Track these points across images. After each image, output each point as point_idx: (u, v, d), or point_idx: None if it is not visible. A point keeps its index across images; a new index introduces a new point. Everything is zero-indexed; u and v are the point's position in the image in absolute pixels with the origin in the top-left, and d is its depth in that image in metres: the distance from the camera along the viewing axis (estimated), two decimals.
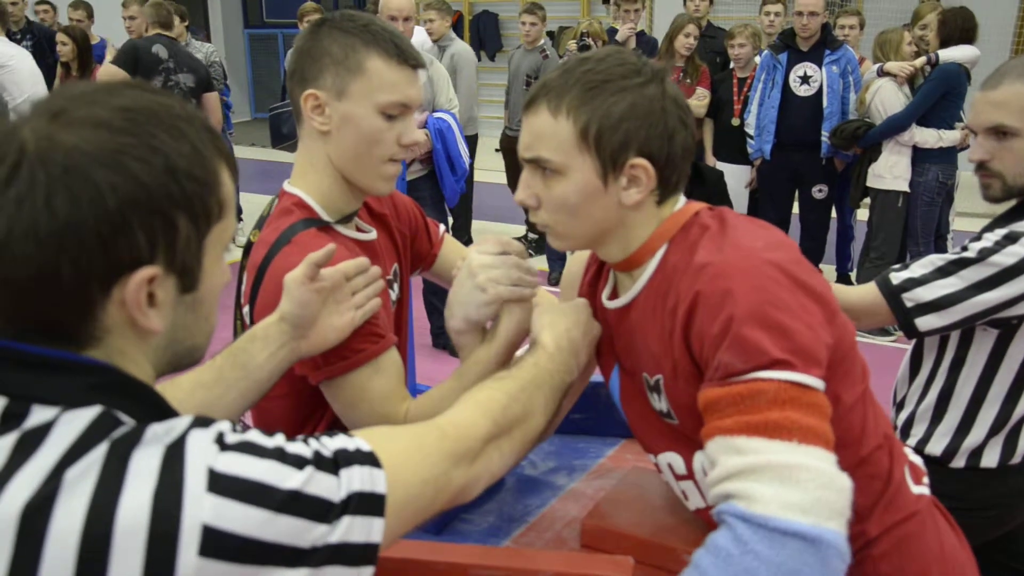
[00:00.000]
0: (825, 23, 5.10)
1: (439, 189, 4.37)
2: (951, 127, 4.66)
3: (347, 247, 1.42)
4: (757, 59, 5.41)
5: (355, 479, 0.81)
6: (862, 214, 5.29)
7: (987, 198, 1.78)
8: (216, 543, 0.71)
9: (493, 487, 1.55)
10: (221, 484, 0.73)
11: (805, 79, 5.08)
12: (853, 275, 5.43)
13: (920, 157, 4.72)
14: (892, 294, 1.73)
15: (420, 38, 5.37)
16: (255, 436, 0.79)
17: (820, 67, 5.04)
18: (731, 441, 1.01)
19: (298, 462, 0.78)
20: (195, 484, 0.72)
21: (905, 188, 4.75)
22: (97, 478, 0.71)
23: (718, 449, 1.02)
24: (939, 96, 4.59)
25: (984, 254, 1.67)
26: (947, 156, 4.72)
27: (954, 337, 1.79)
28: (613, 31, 5.89)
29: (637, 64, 1.17)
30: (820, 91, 5.04)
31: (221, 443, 0.76)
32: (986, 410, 1.78)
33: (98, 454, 0.72)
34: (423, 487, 0.91)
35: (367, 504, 0.81)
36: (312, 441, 0.83)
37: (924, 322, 1.71)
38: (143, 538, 0.69)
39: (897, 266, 1.79)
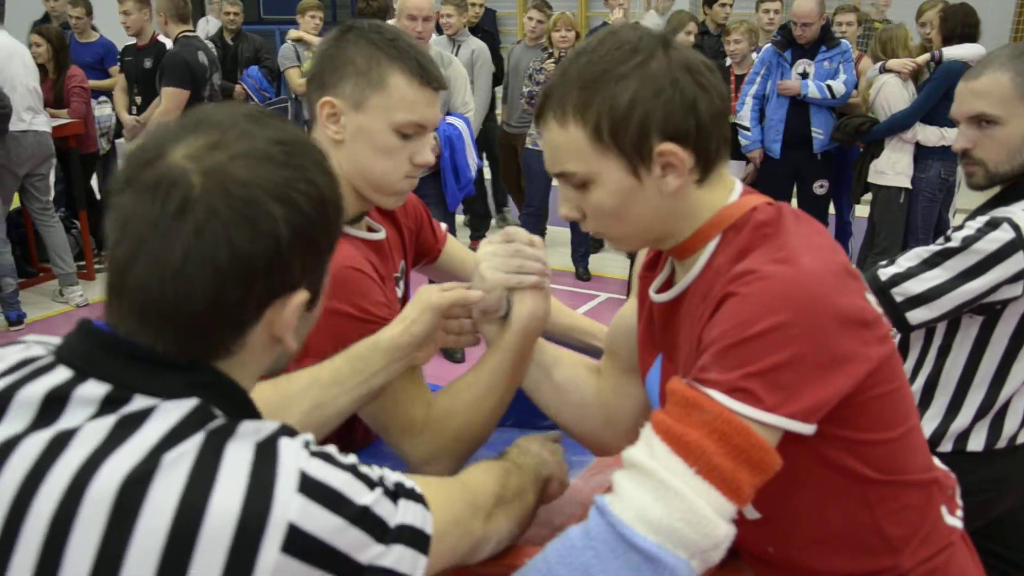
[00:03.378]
0: (825, 22, 5.09)
1: (443, 191, 4.33)
2: (954, 125, 4.64)
3: (356, 247, 1.41)
4: (755, 55, 5.41)
5: (410, 514, 0.86)
6: (861, 210, 5.29)
7: (971, 186, 1.83)
8: (298, 542, 0.75)
9: None
10: (310, 487, 0.77)
11: (804, 76, 5.08)
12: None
13: (922, 154, 4.73)
14: (881, 290, 1.74)
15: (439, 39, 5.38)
16: (332, 450, 0.84)
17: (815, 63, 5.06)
18: (650, 434, 0.98)
19: (369, 482, 0.83)
20: (287, 483, 0.76)
21: (907, 184, 4.75)
22: (193, 464, 0.75)
23: (642, 435, 1.00)
24: (942, 94, 4.58)
25: (967, 242, 1.70)
26: (949, 153, 4.71)
27: (941, 325, 1.81)
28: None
29: (634, 41, 1.07)
30: None
31: (308, 449, 0.80)
32: (973, 394, 1.80)
33: (195, 442, 0.76)
34: (449, 530, 0.94)
35: (417, 540, 0.86)
36: (375, 468, 0.87)
37: (915, 315, 1.72)
38: (232, 526, 0.73)
39: (884, 262, 1.80)
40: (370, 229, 1.51)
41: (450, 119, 4.18)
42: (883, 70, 4.85)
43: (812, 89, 5.00)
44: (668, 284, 1.22)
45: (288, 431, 0.81)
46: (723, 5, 6.24)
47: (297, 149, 0.83)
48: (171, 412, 0.78)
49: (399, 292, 1.57)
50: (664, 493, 0.94)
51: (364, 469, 0.84)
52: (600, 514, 0.96)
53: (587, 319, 1.79)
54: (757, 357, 0.95)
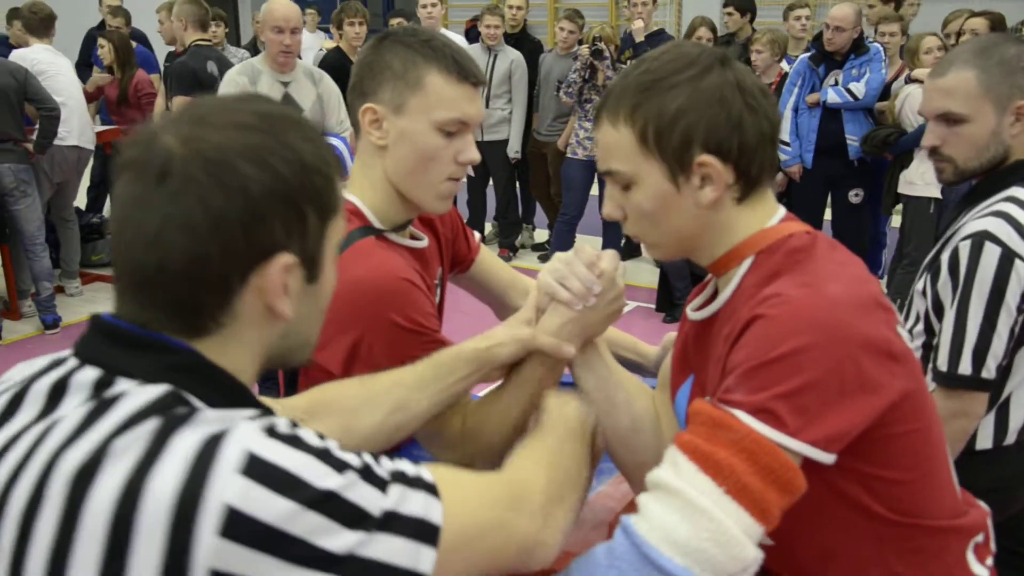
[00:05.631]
0: (858, 34, 5.02)
1: None
2: None
3: (402, 255, 1.42)
4: (783, 65, 5.37)
5: (407, 502, 0.81)
6: (897, 220, 5.23)
7: (942, 182, 1.85)
8: (238, 525, 0.72)
9: None
10: (256, 468, 0.74)
11: (836, 86, 5.05)
12: (883, 283, 5.37)
13: None
14: (952, 379, 1.70)
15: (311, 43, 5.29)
16: (306, 433, 0.80)
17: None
18: (676, 454, 0.98)
19: (340, 465, 0.78)
20: (227, 464, 0.73)
21: (936, 194, 4.67)
22: (139, 452, 0.74)
23: (666, 455, 0.99)
24: None
25: (968, 281, 1.67)
26: None
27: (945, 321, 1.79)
28: (629, 36, 5.91)
29: (693, 55, 1.11)
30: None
31: (269, 431, 0.78)
32: None
33: (146, 428, 0.75)
34: (485, 530, 0.90)
35: (418, 530, 0.81)
36: (367, 456, 0.83)
37: (987, 369, 1.70)
38: (168, 510, 0.72)
39: (931, 366, 1.77)
40: (413, 237, 1.52)
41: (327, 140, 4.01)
42: (908, 80, 4.80)
43: (831, 95, 4.95)
44: (709, 301, 1.23)
45: (263, 415, 0.80)
46: (726, 14, 6.20)
47: (279, 119, 0.85)
48: (138, 397, 0.78)
49: (436, 299, 1.58)
50: (692, 513, 0.93)
51: (340, 453, 0.80)
52: (625, 534, 0.95)
53: (615, 330, 1.79)
54: (781, 379, 0.96)
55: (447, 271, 1.68)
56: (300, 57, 4.09)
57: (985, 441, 1.80)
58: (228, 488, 0.72)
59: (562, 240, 5.88)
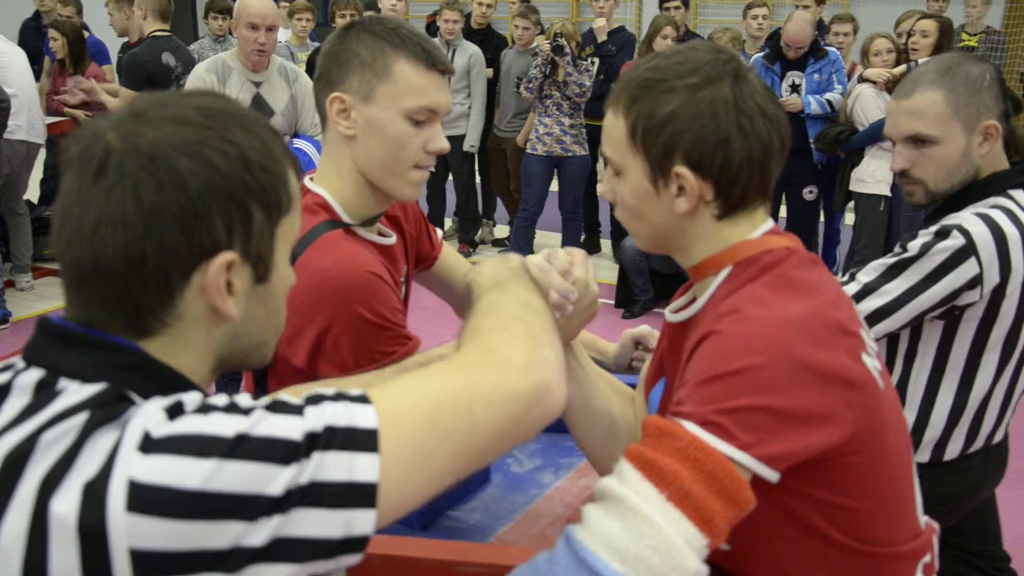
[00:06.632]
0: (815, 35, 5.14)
1: None
2: None
3: (368, 250, 1.41)
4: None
5: (326, 414, 0.76)
6: (851, 218, 5.33)
7: (912, 204, 1.83)
8: (145, 497, 0.69)
9: (479, 484, 1.56)
10: (158, 443, 0.71)
11: (795, 88, 5.15)
12: (838, 278, 5.45)
13: None
14: None
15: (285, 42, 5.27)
16: (218, 398, 0.77)
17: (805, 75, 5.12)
18: (622, 463, 0.97)
19: (246, 411, 0.75)
20: (129, 444, 0.71)
21: (886, 192, 4.77)
22: (64, 447, 0.73)
23: (615, 466, 0.98)
24: None
25: (920, 253, 1.70)
26: None
27: (904, 331, 1.82)
28: (591, 33, 5.94)
29: (700, 62, 1.09)
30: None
31: (173, 408, 0.75)
32: (941, 401, 1.80)
33: (75, 423, 0.74)
34: (448, 404, 0.81)
35: (347, 440, 0.75)
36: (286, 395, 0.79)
37: (877, 330, 1.74)
38: (78, 502, 0.70)
39: (844, 278, 1.80)
40: (381, 234, 1.51)
41: (298, 142, 3.76)
42: (860, 79, 4.90)
43: (814, 106, 5.07)
44: (685, 308, 1.22)
45: (175, 397, 0.77)
46: (666, 8, 6.07)
47: (221, 113, 0.82)
48: (75, 394, 0.76)
49: (401, 296, 1.58)
50: (633, 519, 0.91)
51: (248, 402, 0.76)
52: (566, 541, 0.93)
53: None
54: (730, 394, 0.96)
55: (412, 269, 1.68)
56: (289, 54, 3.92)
57: (953, 452, 1.81)
58: (131, 465, 0.70)
59: (521, 236, 5.89)
